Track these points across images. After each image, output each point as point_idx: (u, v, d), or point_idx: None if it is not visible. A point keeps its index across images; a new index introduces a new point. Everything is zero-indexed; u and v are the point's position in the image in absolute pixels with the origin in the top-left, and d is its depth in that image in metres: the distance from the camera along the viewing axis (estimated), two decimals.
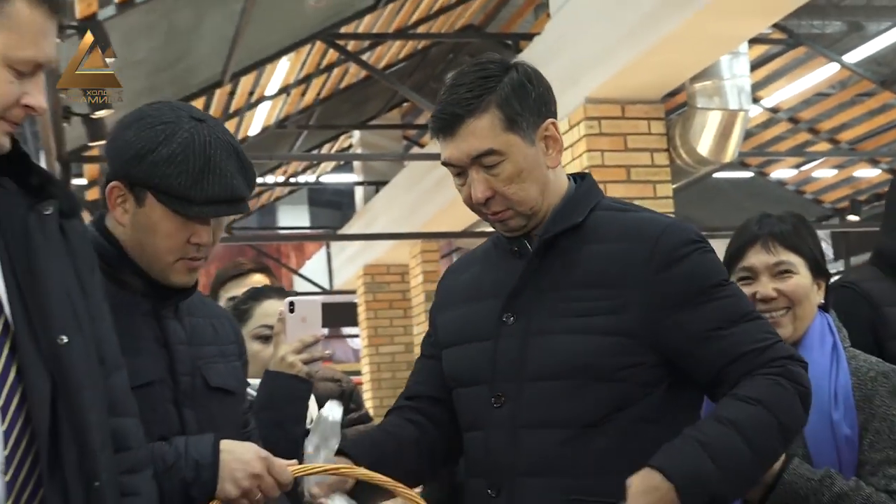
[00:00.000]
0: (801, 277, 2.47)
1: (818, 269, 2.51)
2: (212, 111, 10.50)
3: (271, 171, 15.49)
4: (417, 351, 2.66)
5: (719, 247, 2.44)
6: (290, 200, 20.62)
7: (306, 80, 11.47)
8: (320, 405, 3.52)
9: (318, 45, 10.18)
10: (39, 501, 1.73)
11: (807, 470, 2.27)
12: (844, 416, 2.35)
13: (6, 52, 1.76)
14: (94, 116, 7.44)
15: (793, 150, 13.56)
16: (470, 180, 2.19)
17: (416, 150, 14.56)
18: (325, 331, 2.84)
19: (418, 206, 11.08)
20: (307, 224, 21.98)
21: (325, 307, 2.78)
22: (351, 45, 10.54)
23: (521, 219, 2.21)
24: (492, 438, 2.20)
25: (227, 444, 2.11)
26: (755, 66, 10.33)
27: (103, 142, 8.55)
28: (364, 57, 11.12)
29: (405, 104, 13.89)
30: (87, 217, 2.92)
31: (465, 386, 2.29)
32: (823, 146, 13.33)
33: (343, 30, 10.06)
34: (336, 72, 11.82)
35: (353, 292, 13.85)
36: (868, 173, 13.93)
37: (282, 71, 10.60)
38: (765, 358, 2.08)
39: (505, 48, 10.26)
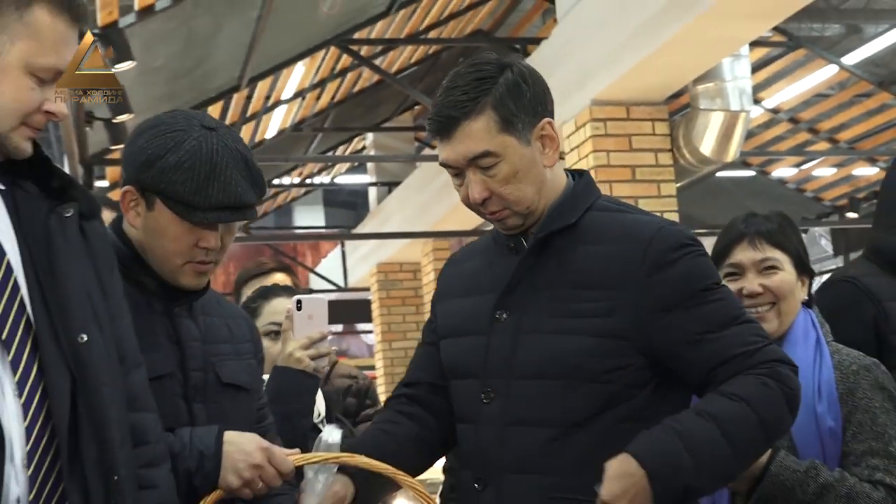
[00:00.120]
0: (786, 274, 2.48)
1: (802, 266, 2.52)
2: (229, 115, 10.52)
3: (287, 172, 15.50)
4: None
5: None
6: (305, 201, 20.65)
7: (321, 84, 11.47)
8: (337, 400, 3.54)
9: (333, 50, 10.17)
10: (60, 496, 1.72)
11: (793, 462, 2.27)
12: (828, 409, 2.35)
13: (28, 60, 1.76)
14: (115, 121, 7.47)
15: (793, 149, 13.54)
16: (467, 181, 2.16)
17: (427, 151, 14.53)
18: (332, 328, 2.86)
19: (429, 206, 11.08)
20: (322, 224, 21.98)
21: (332, 305, 2.80)
22: (364, 51, 10.55)
23: (518, 218, 2.17)
24: (481, 433, 2.18)
25: (230, 436, 2.12)
26: (756, 68, 10.31)
27: (124, 145, 8.60)
28: (377, 62, 11.12)
29: (417, 107, 13.88)
30: (108, 215, 2.93)
31: (459, 378, 2.26)
32: (823, 145, 13.30)
33: (356, 35, 10.04)
34: (350, 76, 11.82)
35: (367, 289, 13.87)
36: (866, 171, 13.89)
37: (297, 75, 10.60)
38: (754, 360, 2.05)
39: (513, 52, 10.25)
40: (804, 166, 14.43)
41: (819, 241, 15.87)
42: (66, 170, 8.23)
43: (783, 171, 14.70)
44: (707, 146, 7.57)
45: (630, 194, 7.02)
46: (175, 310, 2.23)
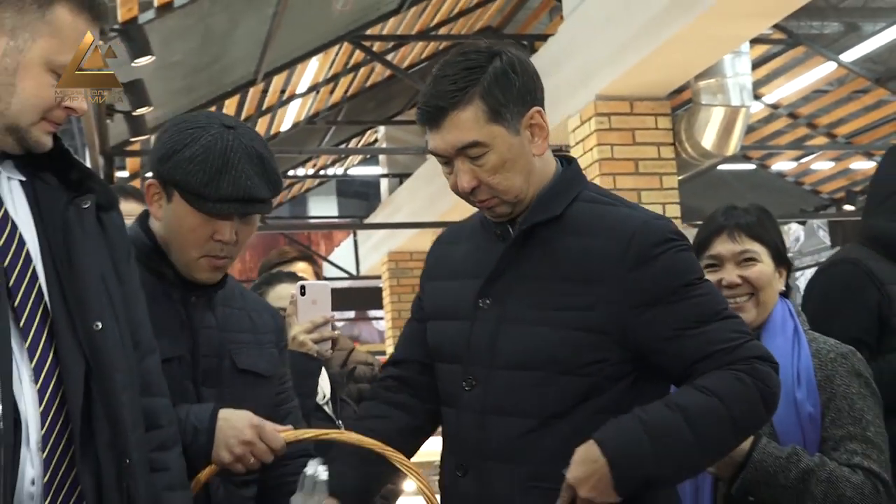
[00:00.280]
0: (764, 265, 2.47)
1: (780, 258, 2.51)
2: (245, 109, 10.53)
3: (302, 164, 15.52)
4: None
5: None
6: (319, 192, 20.65)
7: (334, 78, 11.47)
8: (341, 382, 3.54)
9: (346, 46, 10.18)
10: (73, 478, 1.73)
11: (774, 448, 2.26)
12: (807, 396, 2.34)
13: (49, 57, 1.76)
14: (135, 114, 7.49)
15: (792, 143, 13.49)
16: (456, 170, 2.10)
17: None
18: (334, 313, 2.87)
19: (438, 197, 11.07)
20: (335, 214, 21.97)
21: (335, 291, 2.81)
22: (376, 46, 10.54)
23: (506, 206, 2.11)
24: (462, 420, 2.13)
25: (224, 413, 2.12)
26: (756, 64, 10.28)
27: (144, 137, 8.62)
28: (388, 57, 11.11)
29: None
30: (127, 205, 2.94)
31: (443, 361, 2.21)
32: (821, 140, 13.27)
33: (369, 32, 10.05)
34: (362, 71, 11.81)
35: (378, 277, 13.88)
36: (863, 165, 13.84)
37: (311, 70, 10.61)
38: (734, 357, 1.99)
39: (521, 49, 10.22)
40: (803, 160, 14.39)
41: (817, 232, 15.84)
42: (88, 160, 8.27)
43: (782, 164, 14.66)
44: (708, 140, 7.55)
45: (633, 186, 7.02)
46: (192, 299, 2.25)
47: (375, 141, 15.17)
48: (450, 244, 2.33)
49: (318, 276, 3.77)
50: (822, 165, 14.50)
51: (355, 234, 15.90)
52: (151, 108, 7.50)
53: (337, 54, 10.58)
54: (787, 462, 2.25)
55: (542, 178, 2.14)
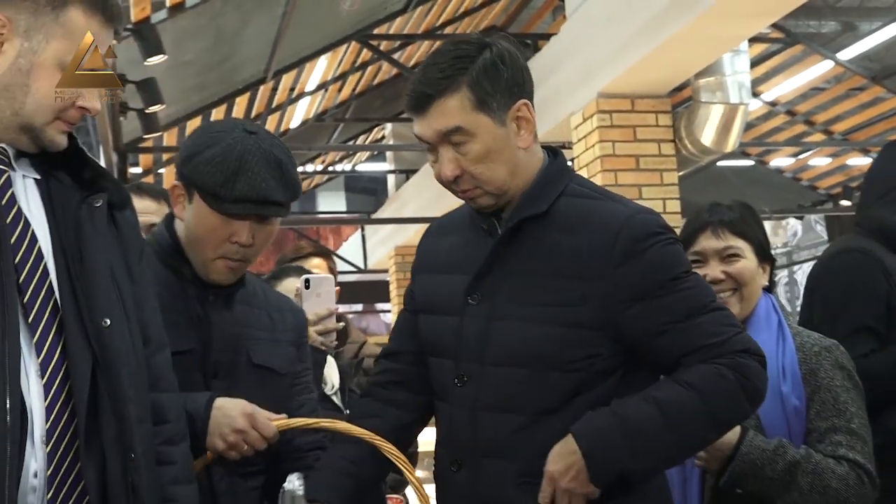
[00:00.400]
0: (748, 261, 2.46)
1: (763, 254, 2.50)
2: (255, 107, 10.53)
3: (311, 160, 15.51)
4: None
5: None
6: (328, 187, 20.65)
7: (342, 77, 11.47)
8: (349, 373, 3.55)
9: (353, 45, 10.17)
10: (77, 472, 1.72)
11: (761, 441, 2.26)
12: (792, 389, 2.34)
13: (62, 58, 1.76)
14: (147, 111, 7.50)
15: (790, 140, 13.48)
16: (440, 158, 2.05)
17: None
18: (338, 306, 2.87)
19: (444, 193, 10.87)
20: (344, 209, 21.98)
21: (343, 284, 2.80)
22: (383, 45, 10.54)
23: (489, 197, 2.06)
24: (454, 415, 2.10)
25: (219, 402, 2.13)
26: (755, 63, 10.27)
27: (156, 134, 8.62)
28: (395, 56, 11.11)
29: None
30: (141, 203, 2.94)
31: (434, 355, 2.17)
32: (818, 137, 13.25)
33: (376, 31, 10.05)
34: (370, 69, 11.81)
35: (385, 271, 13.87)
36: (860, 161, 13.82)
37: (320, 69, 10.60)
38: (720, 350, 1.95)
39: (525, 47, 10.22)
40: (800, 156, 14.38)
41: (814, 227, 15.83)
42: (102, 157, 8.27)
43: (780, 160, 14.64)
44: (708, 137, 7.54)
45: (634, 182, 7.02)
46: (210, 298, 2.27)
47: (383, 138, 15.16)
48: (439, 236, 2.29)
49: (333, 271, 3.74)
50: (820, 161, 14.48)
51: (363, 229, 15.91)
52: (164, 106, 7.51)
53: (345, 53, 10.58)
54: (773, 455, 2.24)
55: (528, 172, 2.09)
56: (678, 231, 2.32)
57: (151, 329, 1.92)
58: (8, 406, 1.63)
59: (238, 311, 2.32)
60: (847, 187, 14.27)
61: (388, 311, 15.56)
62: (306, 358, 2.49)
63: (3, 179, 1.76)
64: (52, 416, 1.69)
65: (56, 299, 1.74)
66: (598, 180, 7.01)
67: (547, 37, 9.39)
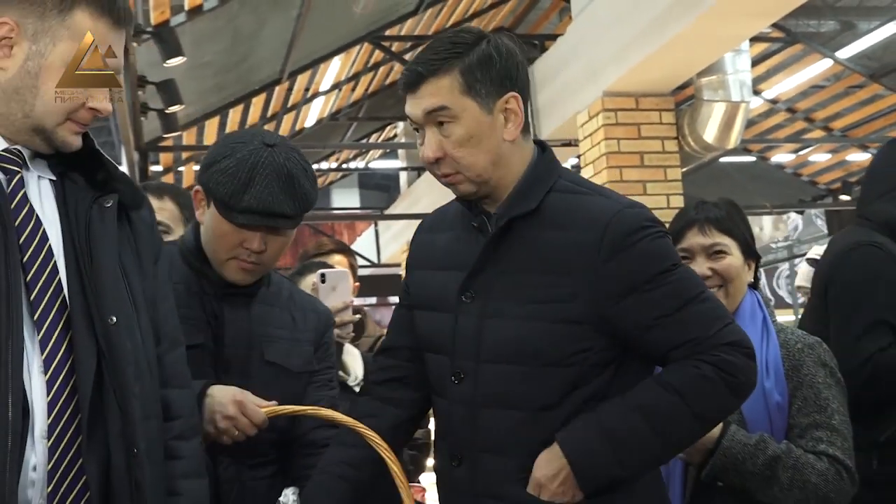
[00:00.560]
0: (734, 258, 2.44)
1: (749, 251, 2.48)
2: (271, 106, 10.55)
3: (325, 158, 15.53)
4: None
5: None
6: (342, 184, 20.66)
7: (355, 77, 11.47)
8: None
9: (366, 46, 10.18)
10: (80, 467, 1.71)
11: (743, 435, 2.24)
12: (775, 385, 2.32)
13: (69, 60, 1.74)
14: (167, 111, 7.51)
15: (790, 136, 13.44)
16: (425, 139, 2.02)
17: None
18: (353, 299, 2.87)
19: None
20: (357, 205, 21.97)
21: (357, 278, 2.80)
22: (395, 46, 10.54)
23: (470, 185, 2.02)
24: (453, 412, 2.06)
25: (211, 390, 2.14)
26: (756, 61, 10.24)
27: (176, 133, 8.63)
28: (407, 57, 11.09)
29: None
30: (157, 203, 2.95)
31: (430, 351, 2.13)
32: (818, 133, 13.20)
33: (388, 32, 10.05)
34: (382, 70, 11.81)
35: (398, 265, 13.88)
36: (859, 157, 13.77)
37: (334, 69, 10.61)
38: (707, 345, 1.92)
39: (532, 48, 10.21)
40: (801, 152, 14.32)
41: (815, 221, 15.79)
42: (123, 156, 8.29)
43: (781, 157, 14.59)
44: (710, 134, 7.53)
45: (639, 178, 7.02)
46: (227, 297, 2.29)
47: (395, 136, 15.16)
48: (431, 232, 2.24)
49: (353, 267, 3.72)
50: (820, 157, 14.43)
51: (376, 225, 15.90)
52: (183, 106, 7.53)
53: (358, 54, 10.59)
54: (754, 449, 2.23)
55: (514, 166, 2.05)
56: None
57: (166, 327, 1.91)
58: (10, 401, 1.62)
59: (256, 310, 2.33)
60: (846, 182, 14.21)
61: None
62: (327, 357, 2.48)
63: (15, 180, 1.76)
64: (55, 411, 1.68)
65: (65, 297, 1.73)
66: (603, 176, 7.01)
67: (553, 37, 9.38)
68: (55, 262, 1.75)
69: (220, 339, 2.26)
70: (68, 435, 1.69)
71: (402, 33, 10.52)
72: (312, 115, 12.28)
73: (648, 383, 1.96)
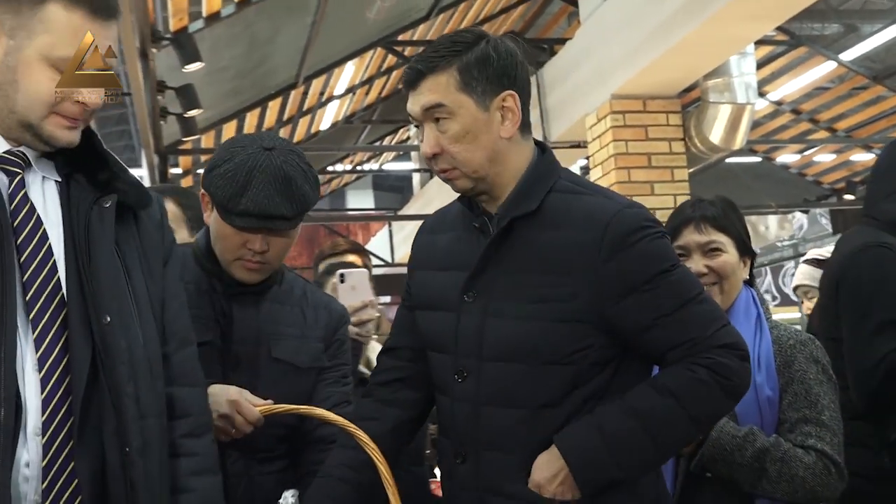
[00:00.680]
0: (729, 256, 2.43)
1: (744, 248, 2.47)
2: (287, 110, 10.56)
3: (340, 160, 15.55)
4: None
5: None
6: (356, 186, 20.70)
7: (369, 81, 11.49)
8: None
9: (379, 51, 10.19)
10: (73, 466, 1.69)
11: (732, 428, 2.24)
12: (766, 380, 2.31)
13: (45, 53, 1.71)
14: (186, 115, 7.53)
15: (795, 137, 13.41)
16: (424, 135, 2.01)
17: None
18: (373, 297, 2.87)
19: None
20: (372, 206, 22.00)
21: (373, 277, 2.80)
22: (407, 51, 10.54)
23: (467, 180, 2.02)
24: (456, 410, 2.04)
25: (209, 389, 2.11)
26: (761, 64, 10.23)
27: (195, 136, 8.65)
28: None
29: None
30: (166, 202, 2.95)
31: (433, 350, 2.12)
32: (823, 134, 13.18)
33: (400, 37, 10.05)
34: (395, 74, 11.81)
35: None
36: (862, 157, 13.75)
37: (348, 74, 10.62)
38: (702, 347, 1.91)
39: (541, 52, 10.21)
40: (805, 153, 14.30)
41: (819, 220, 15.72)
42: (144, 159, 8.31)
43: (786, 157, 14.57)
44: (716, 135, 7.52)
45: (646, 179, 7.01)
46: (237, 296, 2.30)
47: (408, 138, 15.16)
48: (433, 233, 2.22)
49: (368, 266, 3.73)
50: (824, 158, 14.41)
51: (390, 225, 15.91)
52: (201, 110, 7.55)
53: (371, 59, 10.60)
54: (743, 441, 2.22)
55: (513, 165, 2.04)
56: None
57: (175, 326, 1.89)
58: (2, 397, 1.61)
59: (266, 308, 2.33)
60: (851, 182, 14.19)
61: None
62: (340, 354, 2.46)
63: (16, 181, 1.75)
64: (49, 408, 1.66)
65: (63, 296, 1.72)
66: (612, 177, 7.00)
67: (562, 42, 9.38)
68: (54, 261, 1.73)
69: (229, 337, 2.27)
70: (63, 433, 1.68)
71: (415, 38, 10.51)
72: (327, 118, 12.29)
73: (645, 387, 1.95)
